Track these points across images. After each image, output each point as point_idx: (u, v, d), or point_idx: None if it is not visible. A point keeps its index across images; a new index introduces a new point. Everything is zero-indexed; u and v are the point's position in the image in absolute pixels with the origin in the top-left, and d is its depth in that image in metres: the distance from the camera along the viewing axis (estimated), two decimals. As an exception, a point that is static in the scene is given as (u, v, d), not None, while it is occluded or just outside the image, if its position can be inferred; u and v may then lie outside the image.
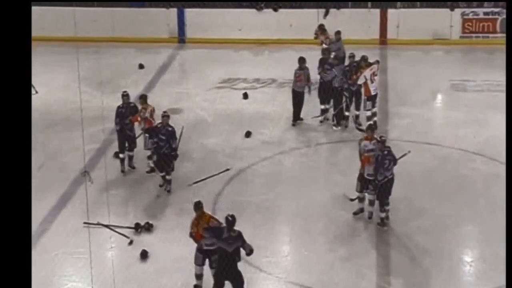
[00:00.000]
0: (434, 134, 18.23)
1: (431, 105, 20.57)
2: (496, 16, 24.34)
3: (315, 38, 21.75)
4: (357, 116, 18.57)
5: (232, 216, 11.54)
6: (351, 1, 25.06)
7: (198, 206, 12.26)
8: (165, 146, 15.25)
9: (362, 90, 18.24)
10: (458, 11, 24.52)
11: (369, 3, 24.82)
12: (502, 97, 19.74)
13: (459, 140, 17.77)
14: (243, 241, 11.51)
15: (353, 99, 18.44)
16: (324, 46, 20.79)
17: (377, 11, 24.60)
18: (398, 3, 24.69)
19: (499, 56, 22.64)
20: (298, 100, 18.72)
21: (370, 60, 18.36)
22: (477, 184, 15.94)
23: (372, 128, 14.93)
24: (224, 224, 11.64)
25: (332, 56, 19.62)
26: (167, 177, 15.56)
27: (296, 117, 18.80)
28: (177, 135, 15.50)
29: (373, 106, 18.43)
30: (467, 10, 24.55)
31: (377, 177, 13.98)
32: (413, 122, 18.90)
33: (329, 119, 18.88)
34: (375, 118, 18.49)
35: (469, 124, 18.71)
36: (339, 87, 18.42)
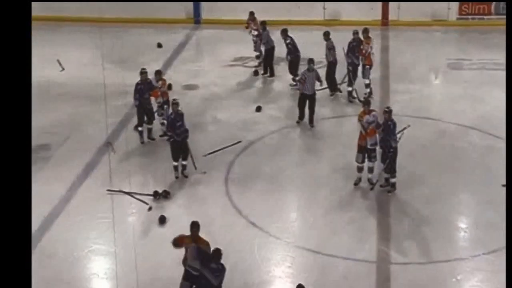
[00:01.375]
0: (432, 110, 18.15)
1: (429, 82, 20.43)
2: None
3: (247, 27, 21.42)
4: (355, 90, 18.58)
5: (218, 250, 10.47)
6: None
7: (195, 226, 11.06)
8: (182, 132, 14.85)
9: (361, 61, 18.40)
10: (455, -6, 24.34)
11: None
12: (496, 75, 19.88)
13: (456, 115, 17.67)
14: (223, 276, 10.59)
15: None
16: (255, 33, 20.81)
17: (379, -6, 24.40)
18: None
19: (493, 36, 22.61)
20: (308, 102, 17.20)
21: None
22: (472, 156, 15.89)
23: (369, 102, 15.10)
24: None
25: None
26: (183, 162, 15.15)
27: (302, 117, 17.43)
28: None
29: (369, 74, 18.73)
30: (464, -7, 24.36)
31: (392, 145, 14.03)
32: (413, 98, 18.82)
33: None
34: (371, 86, 18.66)
35: (465, 100, 18.61)
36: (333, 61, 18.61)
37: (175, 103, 15.03)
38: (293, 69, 19.28)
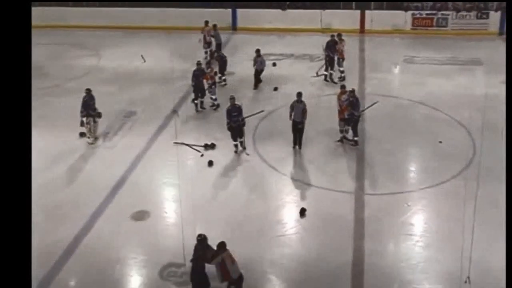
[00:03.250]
0: (393, 90, 17.77)
1: (391, 72, 20.02)
2: (433, 16, 23.54)
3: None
4: (330, 74, 18.29)
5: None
6: (342, 1, 24.27)
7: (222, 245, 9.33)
8: (238, 120, 14.04)
9: (336, 56, 18.11)
10: (409, 12, 23.74)
11: (353, 4, 24.05)
12: (435, 67, 19.62)
13: (409, 94, 17.30)
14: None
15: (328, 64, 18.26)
16: (207, 39, 20.35)
17: (358, 11, 23.86)
18: (372, 5, 23.93)
19: (435, 42, 22.28)
20: (297, 128, 14.18)
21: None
22: (420, 122, 15.61)
23: (344, 85, 14.82)
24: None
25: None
26: (239, 139, 14.25)
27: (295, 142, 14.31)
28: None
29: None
30: (415, 12, 23.74)
31: (355, 114, 13.90)
32: (380, 82, 18.40)
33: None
34: (345, 73, 18.30)
35: (415, 84, 18.19)
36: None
37: (232, 98, 14.19)
38: (221, 70, 18.50)
